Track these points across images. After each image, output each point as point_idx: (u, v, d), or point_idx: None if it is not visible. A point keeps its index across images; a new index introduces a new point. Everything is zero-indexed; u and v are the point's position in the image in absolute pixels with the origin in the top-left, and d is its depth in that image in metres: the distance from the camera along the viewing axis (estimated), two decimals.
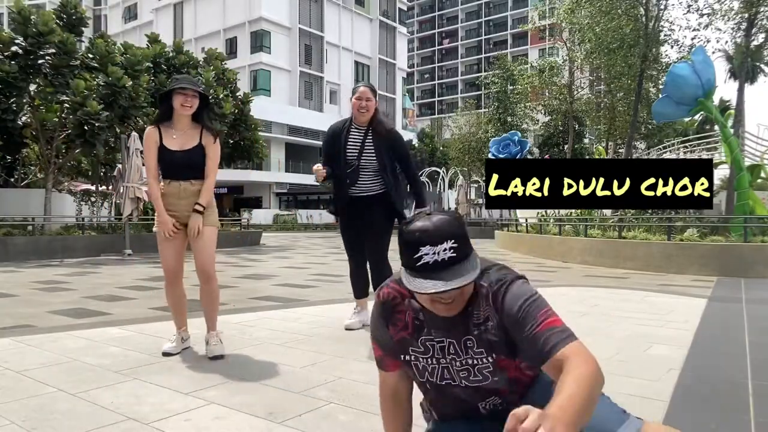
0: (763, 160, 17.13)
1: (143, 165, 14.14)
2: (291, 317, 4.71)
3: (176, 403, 2.46)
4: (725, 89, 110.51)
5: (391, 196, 3.88)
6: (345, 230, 4.11)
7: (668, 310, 5.03)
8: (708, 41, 40.73)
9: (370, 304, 3.78)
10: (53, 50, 13.11)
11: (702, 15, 15.15)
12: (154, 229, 3.35)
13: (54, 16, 13.79)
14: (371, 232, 3.95)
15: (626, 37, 15.02)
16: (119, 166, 14.27)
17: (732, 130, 12.75)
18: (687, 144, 22.18)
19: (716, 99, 14.98)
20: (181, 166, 3.30)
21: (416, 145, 41.54)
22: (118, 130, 14.28)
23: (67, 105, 13.28)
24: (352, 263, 4.14)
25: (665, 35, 16.44)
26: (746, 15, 13.14)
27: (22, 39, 13.02)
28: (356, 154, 3.85)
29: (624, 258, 9.91)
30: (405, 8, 59.71)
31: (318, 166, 3.85)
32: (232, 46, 44.67)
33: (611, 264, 10.00)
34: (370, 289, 4.15)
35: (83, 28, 14.76)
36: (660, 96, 13.13)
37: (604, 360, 3.22)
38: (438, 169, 34.43)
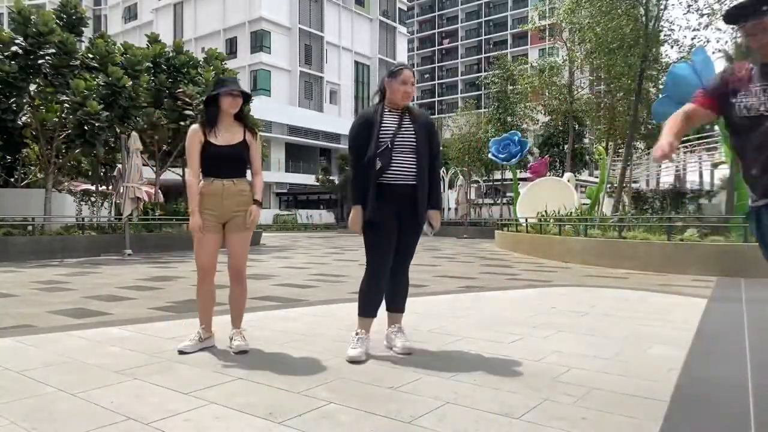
0: None
1: (143, 165, 14.23)
2: (291, 317, 4.71)
3: (176, 403, 2.46)
4: None
5: (422, 189, 3.31)
6: (380, 235, 3.33)
7: (668, 310, 5.02)
8: (708, 41, 40.86)
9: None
10: (53, 50, 13.10)
11: (702, 15, 15.19)
12: (197, 224, 3.39)
13: (54, 16, 13.78)
14: (406, 232, 3.36)
15: (626, 37, 15.00)
16: (119, 166, 14.30)
17: None
18: (687, 144, 22.16)
19: None
20: (226, 161, 3.46)
21: None
22: (118, 130, 14.29)
23: (67, 105, 13.27)
24: (382, 275, 3.38)
25: (665, 35, 16.44)
26: None
27: (22, 39, 13.01)
28: (390, 136, 3.30)
29: (624, 258, 9.90)
30: (405, 8, 59.75)
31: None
32: (232, 46, 44.71)
33: (611, 264, 9.99)
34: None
35: (83, 28, 14.75)
36: (660, 96, 13.11)
37: (604, 360, 3.22)
38: None
